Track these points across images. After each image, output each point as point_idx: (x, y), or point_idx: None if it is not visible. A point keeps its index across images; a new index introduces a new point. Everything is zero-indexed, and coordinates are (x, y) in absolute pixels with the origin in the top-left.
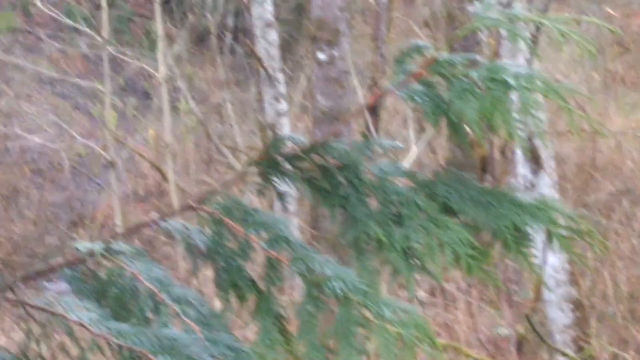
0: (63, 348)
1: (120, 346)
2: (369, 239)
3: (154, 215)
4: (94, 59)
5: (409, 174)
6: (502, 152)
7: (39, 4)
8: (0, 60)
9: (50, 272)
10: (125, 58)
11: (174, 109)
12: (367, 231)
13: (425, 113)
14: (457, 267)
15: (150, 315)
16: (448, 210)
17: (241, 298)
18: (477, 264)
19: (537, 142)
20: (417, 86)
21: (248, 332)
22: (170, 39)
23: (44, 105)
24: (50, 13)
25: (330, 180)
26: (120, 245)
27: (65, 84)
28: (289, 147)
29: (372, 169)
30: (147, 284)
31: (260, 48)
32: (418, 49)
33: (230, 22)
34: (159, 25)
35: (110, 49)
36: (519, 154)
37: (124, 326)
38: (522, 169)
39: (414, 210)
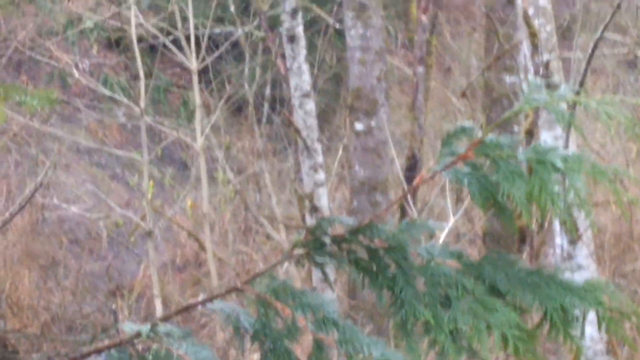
0: None
1: None
2: (416, 321)
3: (201, 296)
4: (132, 129)
5: (456, 255)
6: (540, 223)
7: (76, 74)
8: (38, 131)
9: (96, 354)
10: (163, 128)
11: (212, 178)
12: (414, 313)
13: (472, 195)
14: (505, 349)
15: None
16: (495, 291)
17: None
18: (525, 346)
19: (575, 212)
20: (463, 168)
21: None
22: (207, 108)
23: (82, 176)
24: (87, 83)
25: (377, 262)
26: (166, 327)
27: (103, 154)
28: (335, 228)
29: (419, 251)
30: None
31: (298, 118)
32: (464, 131)
33: (267, 92)
34: (196, 95)
35: (147, 119)
36: (556, 224)
37: None
38: (560, 239)
39: (461, 292)
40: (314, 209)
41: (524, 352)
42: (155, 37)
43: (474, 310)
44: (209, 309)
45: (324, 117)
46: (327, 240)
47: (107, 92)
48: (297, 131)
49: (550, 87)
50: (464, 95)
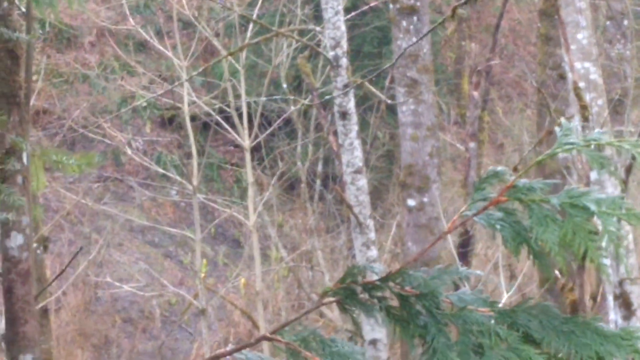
0: None
1: None
2: None
3: (229, 347)
4: (185, 207)
5: (489, 303)
6: (593, 298)
7: (129, 152)
8: (91, 209)
9: None
10: (216, 206)
11: (265, 256)
12: None
13: (504, 240)
14: None
15: None
16: (529, 339)
17: None
18: None
19: (628, 287)
20: (496, 213)
21: None
22: (260, 186)
23: (135, 254)
24: (141, 161)
25: (409, 310)
26: None
27: (156, 232)
28: (366, 276)
29: (451, 298)
30: None
31: (350, 194)
32: (497, 175)
33: (319, 169)
34: (248, 173)
35: (200, 196)
36: (610, 299)
37: None
38: (614, 314)
39: (494, 340)
40: None
41: None
42: (207, 114)
43: (508, 358)
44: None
45: (376, 193)
46: (358, 288)
47: (160, 170)
48: (350, 208)
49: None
50: (515, 170)
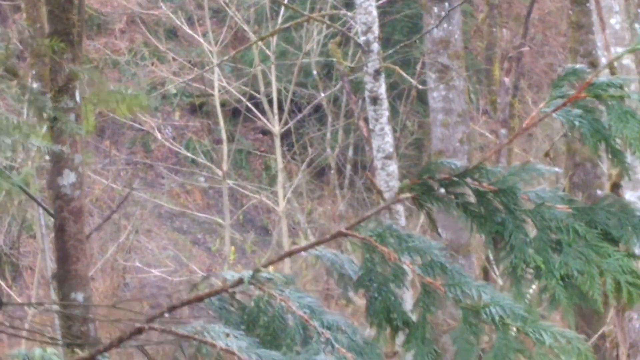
0: None
1: None
2: (526, 266)
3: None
4: (213, 194)
5: (567, 200)
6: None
7: (159, 136)
8: (121, 195)
9: (196, 301)
10: (245, 191)
11: (293, 243)
12: (524, 258)
13: (583, 136)
14: (618, 295)
15: (300, 342)
16: (608, 237)
17: (394, 326)
18: (639, 293)
19: None
20: (574, 110)
21: None
22: (289, 172)
23: (164, 240)
24: (170, 147)
25: (486, 206)
26: (269, 273)
27: (185, 219)
28: (443, 171)
29: (529, 195)
30: (299, 311)
31: (380, 180)
32: (575, 72)
33: (349, 155)
34: (278, 159)
35: (229, 182)
36: None
37: (274, 353)
38: None
39: (573, 237)
40: None
41: (638, 299)
42: (238, 101)
43: (586, 255)
44: (313, 255)
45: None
46: (435, 183)
47: (190, 155)
48: (380, 193)
49: None
50: (547, 156)
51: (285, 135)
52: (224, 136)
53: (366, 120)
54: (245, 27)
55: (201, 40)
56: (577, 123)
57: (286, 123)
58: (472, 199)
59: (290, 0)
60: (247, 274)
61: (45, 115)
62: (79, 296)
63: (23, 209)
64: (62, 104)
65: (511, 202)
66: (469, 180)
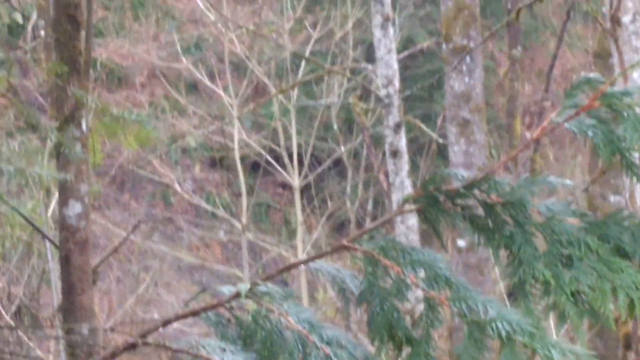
0: None
1: None
2: (535, 281)
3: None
4: (233, 248)
5: (579, 214)
6: None
7: (178, 189)
8: (140, 247)
9: (192, 315)
10: (264, 244)
11: (312, 297)
12: (533, 273)
13: (597, 147)
14: (631, 312)
15: (299, 358)
16: (621, 252)
17: (396, 342)
18: None
19: None
20: (588, 119)
21: None
22: (309, 226)
23: (183, 294)
24: (189, 199)
25: (494, 219)
26: (267, 287)
27: (204, 272)
28: (449, 183)
29: (539, 207)
30: (297, 326)
31: (400, 234)
32: (589, 82)
33: (369, 208)
34: (298, 213)
35: (249, 235)
36: None
37: None
38: None
39: (584, 251)
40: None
41: None
42: (258, 154)
43: (598, 270)
44: (313, 269)
45: (426, 234)
46: (440, 195)
47: (209, 208)
48: None
49: None
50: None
51: (305, 189)
52: (243, 189)
53: (386, 173)
54: (266, 80)
55: (221, 93)
56: (590, 133)
57: (306, 176)
58: (480, 211)
59: (311, 54)
60: (244, 287)
61: (49, 142)
62: (84, 328)
63: (43, 260)
64: (69, 133)
65: (520, 215)
66: (476, 192)
